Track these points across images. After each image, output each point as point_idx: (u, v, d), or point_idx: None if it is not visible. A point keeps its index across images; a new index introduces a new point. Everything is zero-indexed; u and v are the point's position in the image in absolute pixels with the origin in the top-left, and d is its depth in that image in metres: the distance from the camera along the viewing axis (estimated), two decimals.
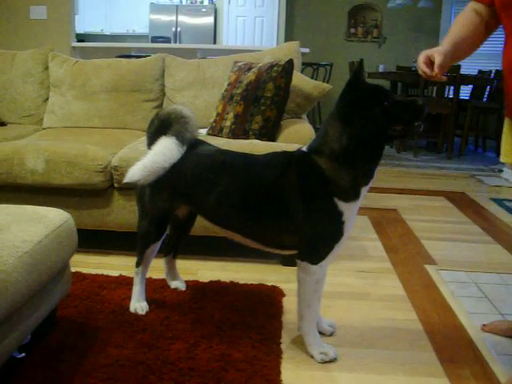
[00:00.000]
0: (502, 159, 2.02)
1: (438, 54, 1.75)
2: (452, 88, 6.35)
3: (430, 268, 2.81)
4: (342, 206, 1.77)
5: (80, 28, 8.35)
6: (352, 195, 1.78)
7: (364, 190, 1.80)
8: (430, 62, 1.78)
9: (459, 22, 1.89)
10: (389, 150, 6.73)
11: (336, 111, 1.77)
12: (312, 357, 1.90)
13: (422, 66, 1.78)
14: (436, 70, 1.74)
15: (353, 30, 8.07)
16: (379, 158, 1.79)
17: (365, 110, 1.71)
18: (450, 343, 2.05)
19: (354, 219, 1.85)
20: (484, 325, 2.16)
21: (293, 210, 1.80)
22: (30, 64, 3.67)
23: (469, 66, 7.10)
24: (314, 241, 1.82)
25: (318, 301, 1.92)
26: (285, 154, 1.93)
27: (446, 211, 3.98)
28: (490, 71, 6.97)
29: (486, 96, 6.96)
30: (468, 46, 1.88)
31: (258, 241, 1.96)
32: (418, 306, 2.36)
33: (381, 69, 7.52)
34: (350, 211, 1.79)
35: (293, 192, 1.80)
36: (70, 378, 1.69)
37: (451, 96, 6.37)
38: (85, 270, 2.50)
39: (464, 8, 1.94)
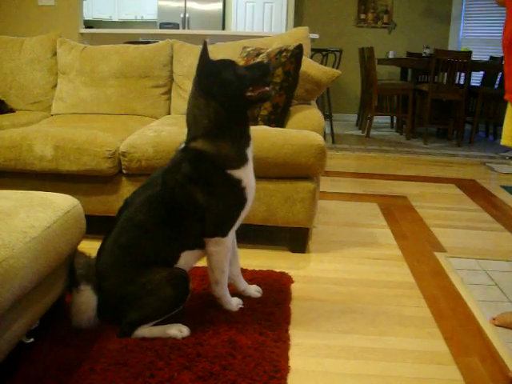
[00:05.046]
0: (502, 142, 2.01)
1: None
2: (463, 74, 6.28)
3: (439, 255, 2.79)
4: (237, 173, 1.88)
5: (88, 14, 8.32)
6: (241, 160, 1.89)
7: (249, 152, 1.93)
8: None
9: None
10: (398, 137, 6.69)
11: (195, 92, 1.88)
12: (231, 310, 2.04)
13: None
14: None
15: (363, 16, 7.97)
16: (247, 121, 1.94)
17: (220, 77, 1.84)
18: (460, 331, 2.04)
19: (255, 182, 1.97)
20: (494, 318, 2.11)
21: (197, 202, 1.87)
22: (38, 50, 3.66)
23: (480, 52, 7.02)
24: (222, 216, 1.90)
25: (228, 264, 2.03)
26: (170, 163, 1.99)
27: (456, 199, 3.96)
28: (502, 57, 6.88)
29: (497, 82, 6.87)
30: None
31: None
32: (428, 293, 2.35)
33: (391, 55, 7.45)
34: (246, 176, 1.91)
35: (188, 189, 1.87)
36: (79, 363, 1.69)
37: (462, 82, 6.30)
38: (93, 256, 2.50)
39: None
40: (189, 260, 1.98)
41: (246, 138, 1.92)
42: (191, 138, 1.91)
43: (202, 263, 2.52)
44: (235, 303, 2.09)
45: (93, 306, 1.85)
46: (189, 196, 1.87)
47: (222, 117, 1.85)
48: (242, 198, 1.92)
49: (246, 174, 1.91)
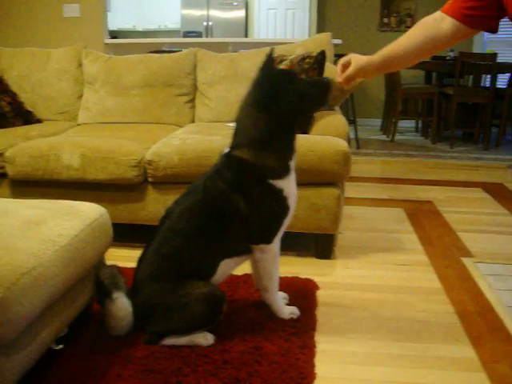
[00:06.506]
0: None
1: (352, 65, 1.79)
2: (489, 77, 6.20)
3: (466, 261, 2.75)
4: (279, 183, 1.88)
5: (113, 25, 8.42)
6: (283, 171, 1.89)
7: (292, 164, 1.93)
8: (347, 66, 1.82)
9: (411, 34, 1.73)
10: (424, 142, 6.63)
11: (250, 100, 1.86)
12: (282, 318, 2.04)
13: (338, 67, 1.85)
14: (339, 78, 1.82)
15: (386, 20, 7.94)
16: (295, 135, 1.92)
17: (279, 93, 1.81)
18: (488, 337, 2.01)
19: (297, 191, 1.98)
20: None
21: (239, 210, 1.86)
22: (64, 61, 3.73)
23: (506, 54, 6.92)
24: (265, 224, 1.91)
25: (277, 271, 2.04)
26: (212, 169, 1.97)
27: (482, 203, 3.90)
28: None
29: None
30: (406, 61, 1.76)
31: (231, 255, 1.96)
32: (455, 299, 2.32)
33: None
34: (287, 185, 1.91)
35: (230, 196, 1.86)
36: (107, 369, 1.71)
37: (488, 85, 6.22)
38: (119, 264, 2.52)
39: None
40: (226, 269, 1.97)
41: (291, 151, 1.91)
42: (236, 144, 1.90)
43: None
44: (287, 312, 2.07)
45: (129, 310, 1.85)
46: (231, 203, 1.86)
47: (271, 131, 1.84)
48: (284, 206, 1.92)
49: (288, 184, 1.91)
